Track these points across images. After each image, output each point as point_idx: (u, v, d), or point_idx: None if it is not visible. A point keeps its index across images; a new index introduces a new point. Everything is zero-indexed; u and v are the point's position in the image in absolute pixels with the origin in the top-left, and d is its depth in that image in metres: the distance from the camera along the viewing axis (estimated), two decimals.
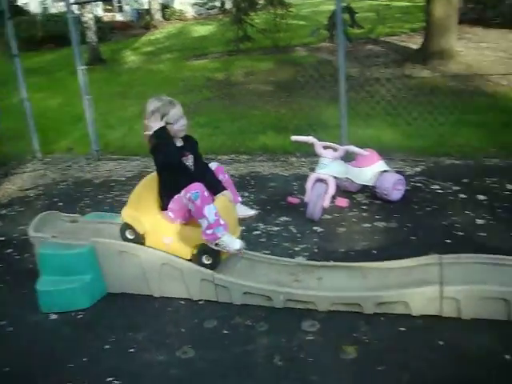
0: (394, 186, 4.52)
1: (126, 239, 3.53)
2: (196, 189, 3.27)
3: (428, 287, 3.05)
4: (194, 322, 3.21)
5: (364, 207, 4.55)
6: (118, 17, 31.12)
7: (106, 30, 22.95)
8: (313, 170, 4.43)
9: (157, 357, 2.90)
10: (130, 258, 3.47)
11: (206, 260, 3.39)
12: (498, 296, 2.98)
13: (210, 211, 3.26)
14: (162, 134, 3.34)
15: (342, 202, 4.33)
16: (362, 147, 4.52)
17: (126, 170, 6.33)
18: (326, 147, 4.38)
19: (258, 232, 4.28)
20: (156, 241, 3.48)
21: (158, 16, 25.68)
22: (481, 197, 4.56)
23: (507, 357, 2.71)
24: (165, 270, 3.43)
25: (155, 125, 3.32)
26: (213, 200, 3.33)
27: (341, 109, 5.52)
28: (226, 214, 3.36)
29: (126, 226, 3.53)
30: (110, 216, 4.10)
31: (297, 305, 3.22)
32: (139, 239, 3.49)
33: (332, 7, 12.96)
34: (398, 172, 4.92)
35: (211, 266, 3.38)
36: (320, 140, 4.46)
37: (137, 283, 3.52)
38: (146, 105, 3.39)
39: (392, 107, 6.93)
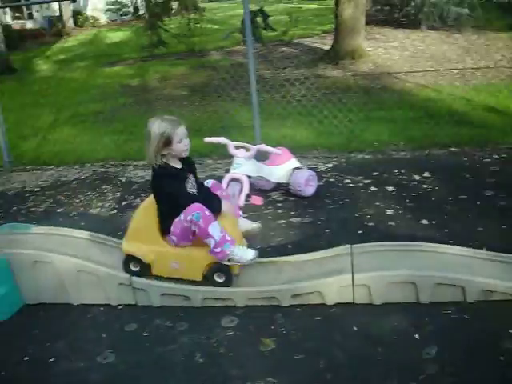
0: (306, 182, 4.66)
1: (130, 272, 3.41)
2: (196, 210, 3.20)
3: (340, 276, 3.18)
4: (114, 326, 3.21)
5: (279, 204, 4.66)
6: (29, 25, 30.26)
7: (15, 38, 22.29)
8: (228, 171, 4.50)
9: (77, 364, 2.89)
10: (44, 268, 3.43)
11: (218, 278, 3.32)
12: (406, 280, 3.14)
13: (214, 229, 3.19)
14: (171, 175, 3.30)
15: (257, 200, 4.41)
16: (275, 146, 4.64)
17: (40, 181, 6.20)
18: (238, 147, 4.46)
19: None
20: (163, 268, 3.39)
21: (70, 23, 25.19)
22: (390, 188, 4.77)
23: (416, 336, 2.86)
24: (82, 277, 3.41)
25: (152, 152, 3.24)
26: (215, 218, 3.26)
27: (253, 110, 5.62)
28: (230, 229, 3.32)
29: (130, 259, 3.41)
30: (25, 227, 4.03)
31: (215, 302, 3.28)
32: (145, 270, 3.39)
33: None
34: (310, 169, 5.08)
35: (226, 284, 3.32)
36: (235, 141, 4.54)
37: (54, 292, 3.48)
38: (149, 126, 3.25)
39: (304, 107, 7.09)
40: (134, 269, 3.41)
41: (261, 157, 4.81)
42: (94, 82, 11.91)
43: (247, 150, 4.46)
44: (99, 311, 3.37)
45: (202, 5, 22.62)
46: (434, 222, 4.09)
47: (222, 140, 4.48)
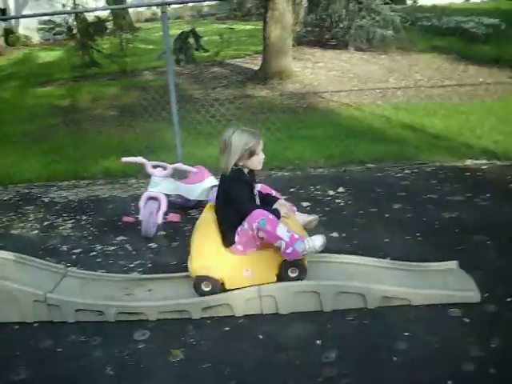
0: None
1: (202, 293, 3.41)
2: (260, 216, 3.27)
3: (247, 288, 3.33)
4: (28, 344, 3.26)
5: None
6: None
7: None
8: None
9: None
10: None
11: (292, 273, 3.39)
12: (310, 290, 3.32)
13: (282, 231, 3.27)
14: (243, 181, 3.41)
15: (174, 217, 4.54)
16: (200, 165, 4.85)
17: None
18: (155, 166, 4.59)
19: (94, 253, 4.39)
20: (236, 279, 3.40)
21: (1, 42, 24.74)
22: (305, 203, 4.97)
23: (318, 342, 3.04)
24: None
25: (233, 161, 3.33)
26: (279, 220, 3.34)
27: (174, 129, 5.74)
28: (293, 226, 3.43)
29: (201, 280, 3.40)
30: None
31: (129, 317, 3.38)
32: (217, 288, 3.39)
33: (179, 31, 13.33)
34: None
35: (300, 277, 3.39)
36: (163, 161, 4.70)
37: None
38: (228, 136, 3.34)
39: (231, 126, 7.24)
40: (205, 289, 3.40)
41: (182, 175, 4.96)
42: (24, 103, 11.78)
43: (164, 168, 4.58)
44: (13, 330, 3.41)
45: (137, 24, 22.71)
46: (344, 235, 4.32)
47: (139, 160, 4.60)
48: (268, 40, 11.10)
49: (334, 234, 4.32)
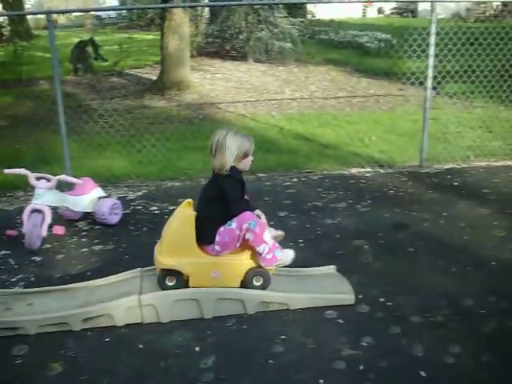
0: (111, 211, 4.79)
1: (165, 287, 3.42)
2: (251, 218, 3.36)
3: (127, 298, 3.34)
4: None
5: (84, 233, 4.74)
6: None
7: None
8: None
9: None
10: None
11: (256, 282, 3.48)
12: (190, 297, 3.37)
13: (267, 237, 3.40)
14: (239, 182, 3.47)
15: (59, 229, 4.48)
16: (91, 176, 4.80)
17: None
18: (39, 178, 4.51)
19: None
20: (202, 278, 3.43)
21: None
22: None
23: (197, 349, 3.09)
24: None
25: (230, 162, 3.36)
26: None
27: (62, 140, 5.66)
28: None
29: (166, 274, 3.41)
30: None
31: (5, 332, 3.30)
32: (181, 283, 3.42)
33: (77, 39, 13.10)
34: (120, 197, 5.24)
35: (264, 286, 3.48)
36: (55, 173, 4.62)
37: None
38: (221, 138, 3.35)
39: (127, 136, 7.19)
40: (169, 283, 3.43)
41: (70, 187, 4.90)
42: None
43: (48, 180, 4.51)
44: None
45: (36, 32, 22.04)
46: None
47: (22, 171, 4.51)
48: (166, 50, 11.12)
49: None
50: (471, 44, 7.63)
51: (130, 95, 11.03)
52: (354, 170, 6.25)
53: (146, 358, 3.05)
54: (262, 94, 10.81)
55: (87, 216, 4.93)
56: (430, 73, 6.17)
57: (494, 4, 26.50)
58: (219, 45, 16.05)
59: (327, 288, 3.61)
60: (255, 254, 3.47)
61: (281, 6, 15.00)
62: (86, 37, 15.10)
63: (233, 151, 3.36)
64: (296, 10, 19.29)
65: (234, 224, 3.39)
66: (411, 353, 3.05)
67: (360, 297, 3.57)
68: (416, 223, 4.78)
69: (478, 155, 6.82)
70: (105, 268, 3.99)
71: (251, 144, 3.49)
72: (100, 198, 4.82)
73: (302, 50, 14.92)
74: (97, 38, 15.36)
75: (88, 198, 4.78)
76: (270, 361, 2.99)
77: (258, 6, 14.33)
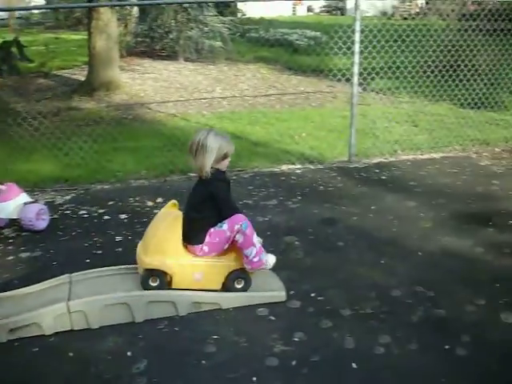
0: (37, 216, 4.66)
1: (148, 288, 3.41)
2: (243, 219, 3.42)
3: (55, 305, 3.25)
4: None
5: (10, 240, 4.58)
6: None
7: None
8: None
9: None
10: None
11: (237, 284, 3.53)
12: (120, 302, 3.32)
13: (256, 239, 3.47)
14: (226, 182, 3.56)
15: None
16: (18, 182, 4.75)
17: None
18: None
19: None
20: (185, 279, 3.44)
21: None
22: (123, 216, 4.95)
23: (129, 353, 3.05)
24: None
25: (210, 163, 3.36)
26: None
27: None
28: None
29: (150, 274, 3.39)
30: None
31: None
32: (164, 284, 3.42)
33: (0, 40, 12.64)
34: (47, 202, 5.11)
35: (244, 289, 3.54)
36: None
37: None
38: (202, 138, 3.34)
39: (56, 139, 7.01)
40: (152, 284, 3.42)
41: None
42: None
43: None
44: None
45: None
46: None
47: None
48: (94, 50, 10.92)
49: None
50: (395, 41, 7.82)
51: (58, 97, 10.76)
52: (284, 167, 6.30)
53: (77, 366, 2.98)
54: (193, 94, 10.77)
55: (13, 223, 4.78)
56: (356, 69, 6.29)
57: (419, 2, 27.28)
58: (149, 44, 15.89)
59: (258, 286, 3.62)
60: (238, 257, 3.50)
61: (210, 4, 14.99)
62: (10, 37, 14.64)
63: (214, 152, 3.36)
64: (226, 9, 19.35)
65: (225, 226, 3.42)
66: (342, 345, 3.11)
67: (291, 293, 3.60)
68: (345, 218, 4.87)
69: (404, 149, 7.00)
70: (32, 276, 3.87)
71: (231, 145, 3.51)
72: (26, 203, 4.68)
73: (232, 49, 14.96)
74: (22, 39, 14.90)
75: (13, 204, 4.63)
76: (203, 361, 2.98)
77: (187, 5, 14.25)
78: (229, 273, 3.51)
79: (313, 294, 3.62)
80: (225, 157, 3.48)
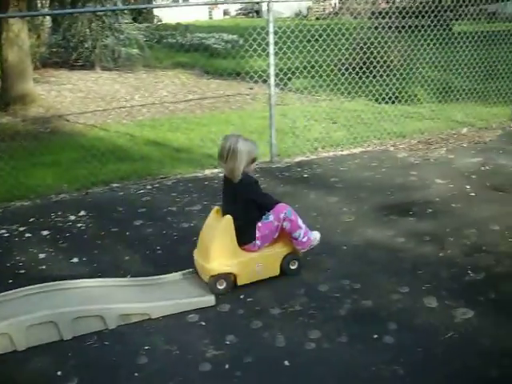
0: None
1: (217, 292, 3.63)
2: (285, 208, 3.75)
3: None
4: None
5: None
6: None
7: None
8: None
9: None
10: None
11: (292, 266, 3.87)
12: (45, 320, 3.23)
13: (301, 222, 3.79)
14: (257, 183, 3.82)
15: None
16: None
17: None
18: None
19: None
20: (248, 275, 3.71)
21: None
22: (45, 232, 4.81)
23: (59, 373, 2.97)
24: None
25: (242, 167, 3.62)
26: None
27: None
28: None
29: (216, 279, 3.62)
30: None
31: None
32: (230, 285, 3.66)
33: None
34: None
35: (298, 270, 3.88)
36: None
37: None
38: (233, 143, 3.58)
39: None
40: (220, 287, 3.65)
41: None
42: None
43: None
44: None
45: None
46: (84, 259, 4.26)
47: None
48: (6, 63, 10.54)
49: (75, 260, 4.25)
50: (308, 41, 7.97)
51: None
52: (207, 172, 6.29)
53: None
54: (111, 103, 10.60)
55: None
56: (272, 71, 6.36)
57: (332, 2, 27.85)
58: (64, 55, 15.52)
59: (187, 292, 3.62)
60: (287, 242, 3.83)
61: (125, 11, 14.81)
62: None
63: (244, 157, 3.60)
64: (142, 15, 19.19)
65: (271, 217, 3.71)
66: (274, 344, 3.14)
67: (220, 296, 3.61)
68: None
69: (324, 146, 7.13)
70: None
71: (257, 150, 3.78)
72: None
73: (149, 56, 14.84)
74: None
75: None
76: (136, 373, 2.94)
77: (101, 13, 14.02)
78: (283, 258, 3.80)
79: (242, 296, 3.64)
80: (253, 161, 3.73)
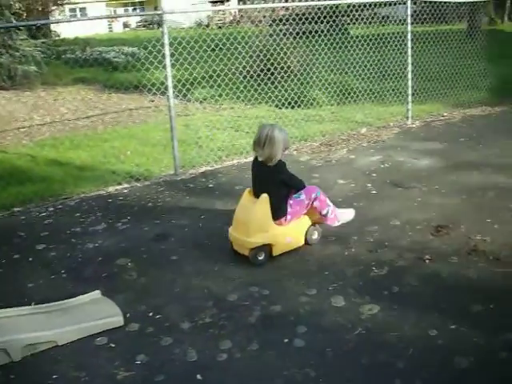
0: None
1: (258, 263, 4.17)
2: (316, 188, 4.39)
3: None
4: None
5: None
6: None
7: None
8: None
9: None
10: None
11: (313, 236, 4.47)
12: None
13: (329, 201, 4.41)
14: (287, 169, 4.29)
15: None
16: None
17: None
18: None
19: None
20: (281, 246, 4.26)
21: None
22: None
23: None
24: None
25: (280, 154, 4.16)
26: None
27: None
28: None
29: (256, 251, 4.15)
30: None
31: None
32: (267, 256, 4.20)
33: None
34: None
35: (318, 240, 4.49)
36: None
37: None
38: (269, 131, 4.08)
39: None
40: (260, 258, 4.17)
41: None
42: None
43: None
44: None
45: None
46: None
47: None
48: None
49: None
50: (212, 50, 7.99)
51: None
52: (111, 189, 6.15)
53: None
54: (10, 123, 10.21)
55: None
56: (170, 82, 6.31)
57: (232, 11, 28.11)
58: None
59: (94, 315, 3.52)
60: (310, 216, 4.39)
61: (21, 27, 14.32)
62: None
63: (281, 144, 4.11)
64: (38, 31, 18.61)
65: (302, 196, 4.29)
66: (186, 359, 3.13)
67: (128, 316, 3.55)
68: (176, 231, 4.88)
69: (228, 154, 7.16)
70: None
71: (288, 137, 4.28)
72: None
73: (48, 72, 14.43)
74: None
75: None
76: None
77: None
78: (307, 229, 4.38)
79: (151, 314, 3.60)
80: (285, 149, 4.25)
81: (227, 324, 3.44)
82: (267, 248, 4.16)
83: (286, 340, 3.24)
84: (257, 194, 4.19)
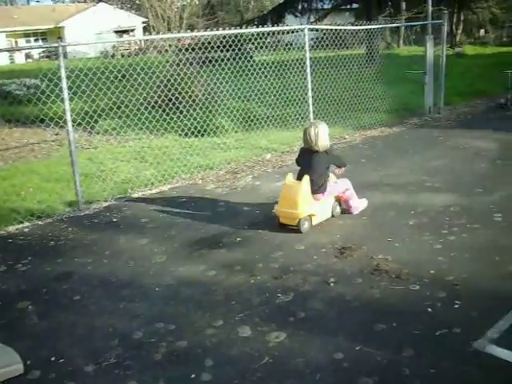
0: None
1: (304, 230, 5.25)
2: (349, 183, 5.67)
3: None
4: None
5: None
6: None
7: None
8: None
9: None
10: None
11: (337, 210, 5.68)
12: None
13: (355, 192, 5.71)
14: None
15: None
16: None
17: None
18: None
19: None
20: (318, 217, 5.40)
21: None
22: None
23: None
24: None
25: (329, 141, 5.43)
26: None
27: None
28: None
29: (303, 221, 5.23)
30: None
31: None
32: (310, 224, 5.34)
33: None
34: None
35: (339, 213, 5.70)
36: None
37: None
38: (319, 125, 5.33)
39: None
40: (304, 226, 5.27)
41: None
42: None
43: None
44: None
45: None
46: None
47: None
48: None
49: None
50: (119, 80, 7.86)
51: None
52: (11, 228, 5.88)
53: None
54: None
55: None
56: (69, 116, 6.16)
57: (137, 40, 27.96)
58: None
59: None
60: (334, 196, 5.58)
61: None
62: None
63: (327, 135, 5.34)
64: None
65: (340, 183, 5.60)
66: None
67: (29, 362, 3.40)
68: (80, 269, 4.73)
69: (133, 187, 7.02)
70: None
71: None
72: None
73: None
74: None
75: None
76: None
77: None
78: (332, 205, 5.59)
79: (53, 358, 3.46)
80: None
81: (133, 363, 3.36)
82: (311, 217, 5.29)
83: (193, 375, 3.20)
84: (300, 177, 5.32)
